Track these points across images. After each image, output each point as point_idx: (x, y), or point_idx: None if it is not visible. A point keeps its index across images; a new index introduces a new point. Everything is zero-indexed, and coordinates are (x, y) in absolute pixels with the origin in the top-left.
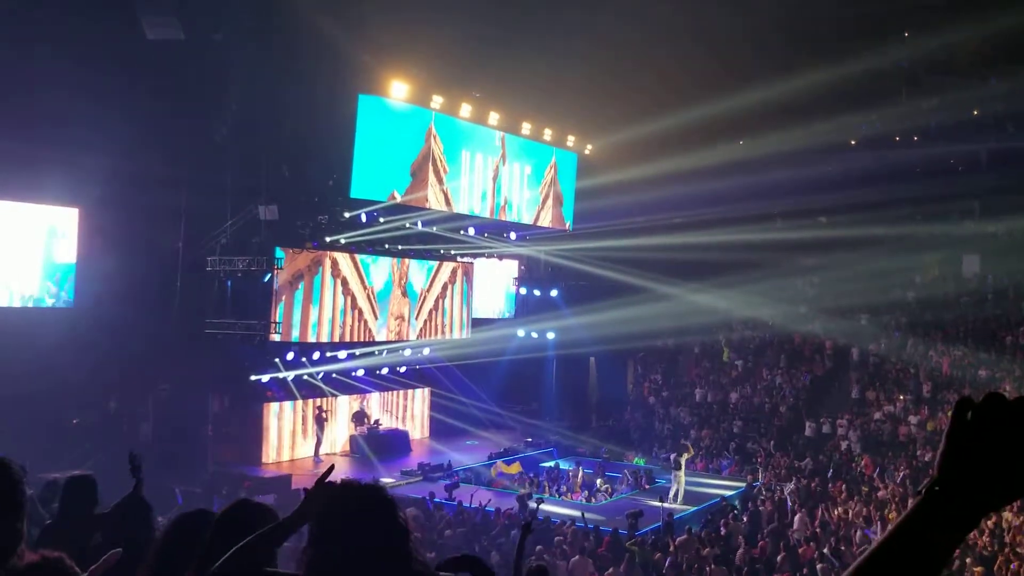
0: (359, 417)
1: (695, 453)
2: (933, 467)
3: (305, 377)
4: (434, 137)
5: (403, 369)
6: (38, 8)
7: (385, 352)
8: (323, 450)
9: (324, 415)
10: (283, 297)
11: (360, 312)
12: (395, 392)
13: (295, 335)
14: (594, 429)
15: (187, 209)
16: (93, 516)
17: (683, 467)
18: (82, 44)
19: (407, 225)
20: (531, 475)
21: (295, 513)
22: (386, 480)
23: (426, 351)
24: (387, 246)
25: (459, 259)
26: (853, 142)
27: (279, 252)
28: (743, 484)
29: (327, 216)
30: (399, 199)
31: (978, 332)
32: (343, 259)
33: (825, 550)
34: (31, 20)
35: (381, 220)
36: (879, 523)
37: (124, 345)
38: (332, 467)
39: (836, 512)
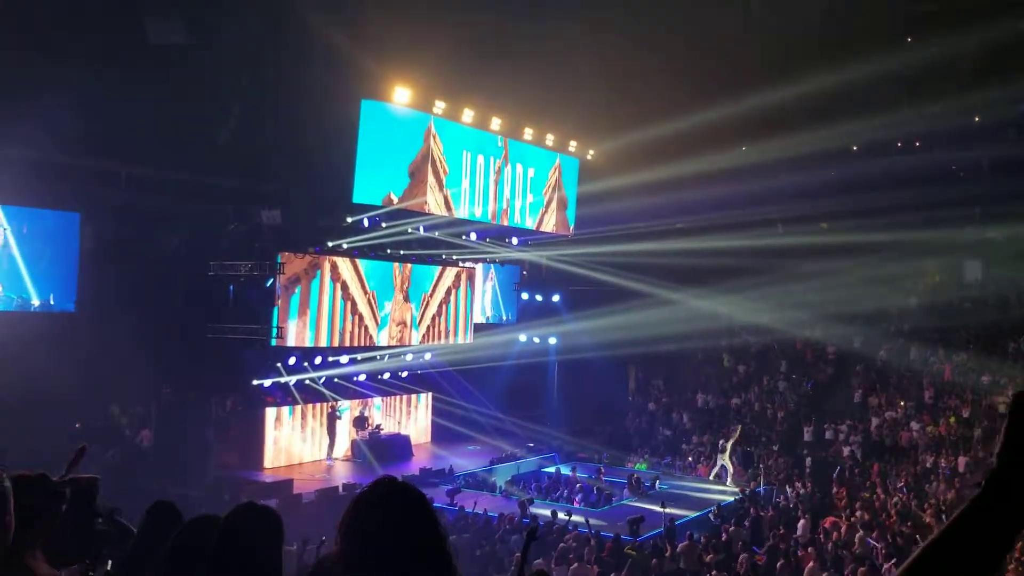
0: (360, 422)
1: (698, 459)
2: (992, 460)
3: (307, 382)
4: (433, 137)
5: (405, 374)
6: (40, 11)
7: (387, 357)
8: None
9: (337, 415)
10: (279, 301)
11: (360, 317)
12: (397, 397)
13: (291, 339)
14: (595, 434)
15: (189, 214)
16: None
17: (728, 450)
18: (85, 47)
19: (409, 230)
20: (535, 482)
21: None
22: None
23: (428, 356)
24: (389, 251)
25: (461, 264)
26: (855, 148)
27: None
28: (745, 489)
29: (329, 221)
30: (395, 201)
31: (980, 338)
32: (343, 263)
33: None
34: (33, 23)
35: (383, 225)
36: (879, 529)
37: (126, 350)
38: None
39: (833, 518)
